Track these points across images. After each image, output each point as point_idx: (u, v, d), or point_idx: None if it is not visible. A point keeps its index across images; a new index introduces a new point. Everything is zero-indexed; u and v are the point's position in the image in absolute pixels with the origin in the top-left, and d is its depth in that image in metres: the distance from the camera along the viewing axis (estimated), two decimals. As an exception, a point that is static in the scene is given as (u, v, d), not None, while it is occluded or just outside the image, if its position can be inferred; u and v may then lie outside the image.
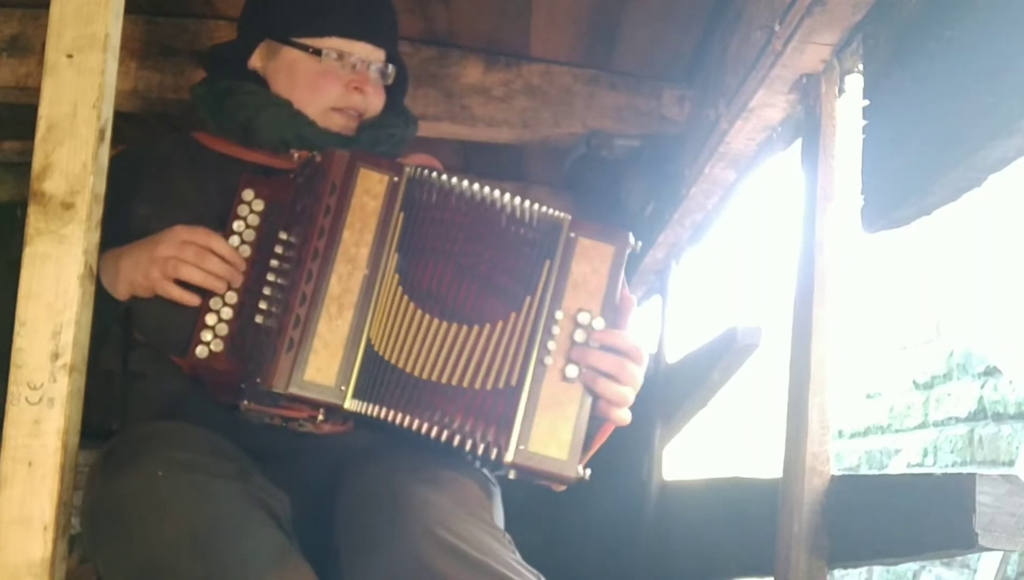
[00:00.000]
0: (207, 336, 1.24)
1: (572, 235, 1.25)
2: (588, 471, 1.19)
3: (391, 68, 1.50)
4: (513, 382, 1.19)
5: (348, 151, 1.28)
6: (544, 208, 1.27)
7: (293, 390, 1.16)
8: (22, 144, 2.35)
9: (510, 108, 1.98)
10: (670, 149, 2.02)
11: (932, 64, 1.07)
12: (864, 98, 1.25)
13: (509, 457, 1.16)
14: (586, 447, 1.21)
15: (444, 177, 1.26)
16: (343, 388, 1.17)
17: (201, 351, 1.24)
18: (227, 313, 1.25)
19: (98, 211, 1.14)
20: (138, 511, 1.05)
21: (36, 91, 1.13)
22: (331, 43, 1.43)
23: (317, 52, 1.42)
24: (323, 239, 1.22)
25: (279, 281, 1.24)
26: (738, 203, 1.98)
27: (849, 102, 1.40)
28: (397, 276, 1.23)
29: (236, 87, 1.44)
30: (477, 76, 1.98)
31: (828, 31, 1.27)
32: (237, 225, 1.29)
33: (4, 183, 2.49)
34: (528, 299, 1.22)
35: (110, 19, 1.14)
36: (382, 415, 1.18)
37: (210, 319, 1.25)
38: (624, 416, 1.22)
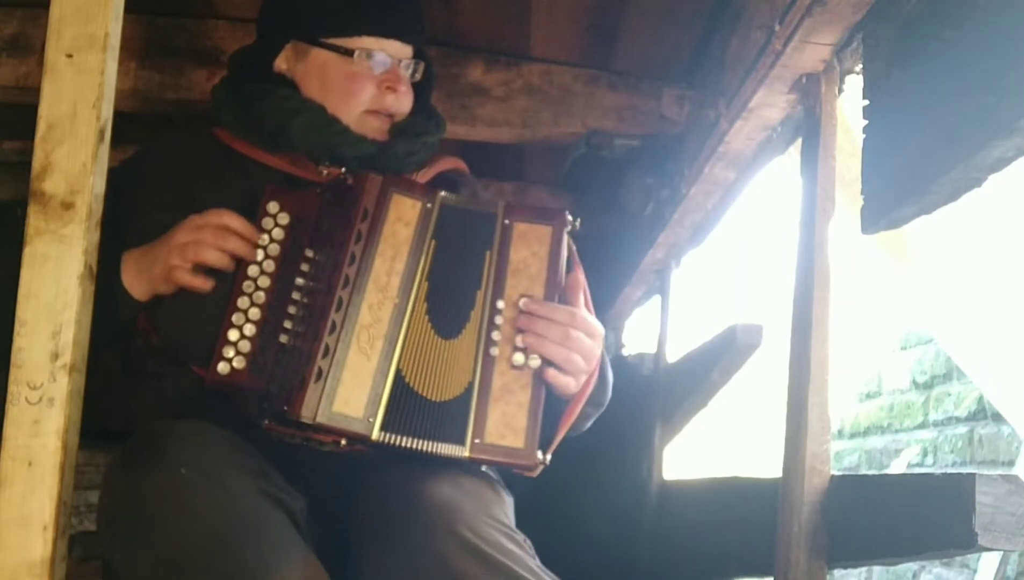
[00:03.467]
0: (229, 353, 1.22)
1: (507, 221, 1.26)
2: (548, 456, 1.19)
3: (420, 64, 1.47)
4: (470, 379, 1.20)
5: (381, 176, 1.27)
6: (480, 199, 1.27)
7: (321, 421, 1.15)
8: (22, 144, 2.35)
9: (510, 108, 1.98)
10: (670, 149, 2.01)
11: (932, 64, 1.07)
12: (864, 98, 1.24)
13: (465, 452, 1.17)
14: (551, 431, 1.21)
15: (477, 201, 1.27)
16: (371, 420, 1.17)
17: (223, 368, 1.22)
18: (250, 330, 1.24)
19: (98, 211, 1.14)
20: (160, 507, 1.05)
21: (36, 91, 1.13)
22: (362, 42, 1.39)
23: (348, 52, 1.39)
24: (354, 266, 1.21)
25: (305, 300, 1.23)
26: (738, 203, 1.98)
27: (849, 102, 1.40)
28: (426, 304, 1.23)
29: (268, 91, 1.40)
30: (477, 76, 1.98)
31: (828, 31, 1.27)
32: (262, 238, 1.27)
33: (4, 183, 2.49)
34: (479, 294, 1.23)
35: (110, 19, 1.13)
36: (407, 445, 1.17)
37: (232, 335, 1.23)
38: (571, 385, 1.22)
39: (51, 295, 1.09)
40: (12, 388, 1.07)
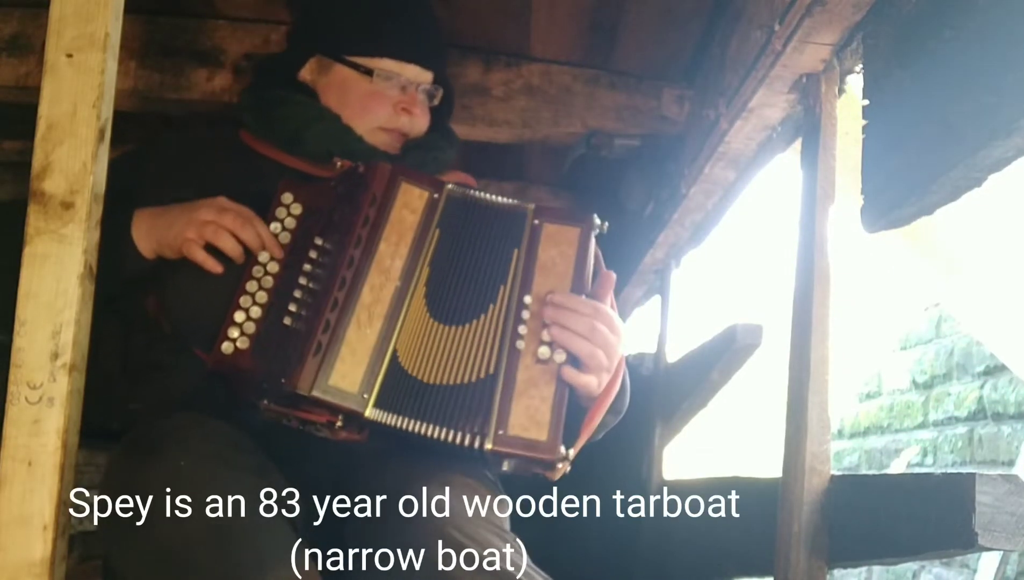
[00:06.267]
0: (234, 333, 1.24)
1: (537, 222, 1.29)
2: (573, 452, 1.19)
3: (439, 89, 1.53)
4: (491, 370, 1.20)
5: (391, 164, 1.31)
6: (509, 199, 1.30)
7: (316, 393, 1.16)
8: (22, 144, 2.35)
9: (510, 108, 1.98)
10: (670, 149, 2.02)
11: (932, 64, 1.07)
12: (864, 98, 1.25)
13: (489, 444, 1.16)
14: (575, 431, 1.22)
15: (483, 195, 1.31)
16: (365, 396, 1.18)
17: (227, 347, 1.24)
18: (256, 312, 1.26)
19: (98, 210, 1.14)
20: (159, 500, 1.05)
21: (36, 91, 1.13)
22: (382, 64, 1.46)
23: (368, 72, 1.45)
24: (359, 248, 1.24)
25: (311, 285, 1.25)
26: (738, 203, 1.98)
27: (849, 102, 1.40)
28: (425, 289, 1.26)
29: (288, 97, 1.46)
30: (477, 76, 1.98)
31: (828, 31, 1.27)
32: (273, 226, 1.31)
33: (4, 183, 2.49)
34: (502, 289, 1.25)
35: (110, 19, 1.13)
36: (399, 424, 1.18)
37: (239, 316, 1.25)
38: (592, 384, 1.22)
39: (51, 295, 1.09)
40: (12, 388, 1.07)
